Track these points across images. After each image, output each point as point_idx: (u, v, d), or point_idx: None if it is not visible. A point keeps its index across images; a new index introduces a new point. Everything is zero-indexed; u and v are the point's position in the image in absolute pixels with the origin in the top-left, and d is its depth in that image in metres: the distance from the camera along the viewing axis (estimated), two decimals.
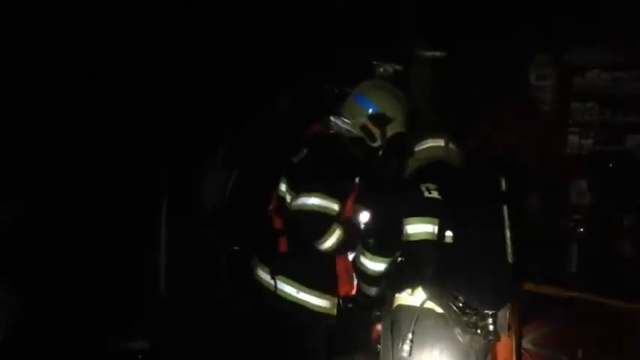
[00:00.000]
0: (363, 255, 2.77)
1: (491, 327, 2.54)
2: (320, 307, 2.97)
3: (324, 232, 2.83)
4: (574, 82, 4.51)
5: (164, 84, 4.33)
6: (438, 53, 4.92)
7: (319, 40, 4.61)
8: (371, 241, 2.77)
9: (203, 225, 4.53)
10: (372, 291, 2.91)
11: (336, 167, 2.89)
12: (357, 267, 2.85)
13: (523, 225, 2.97)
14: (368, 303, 3.00)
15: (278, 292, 2.97)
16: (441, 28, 4.78)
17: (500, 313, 2.65)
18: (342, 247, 2.92)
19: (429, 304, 2.62)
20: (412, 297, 2.67)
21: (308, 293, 2.95)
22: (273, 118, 4.59)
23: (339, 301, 3.03)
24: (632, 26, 4.13)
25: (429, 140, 2.89)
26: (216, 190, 4.47)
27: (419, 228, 2.64)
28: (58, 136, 4.09)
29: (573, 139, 4.49)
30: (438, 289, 2.59)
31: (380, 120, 2.98)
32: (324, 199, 2.80)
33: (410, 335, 2.59)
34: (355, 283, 3.03)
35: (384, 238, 2.74)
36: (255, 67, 4.59)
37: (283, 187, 3.04)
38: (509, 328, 2.94)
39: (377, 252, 2.74)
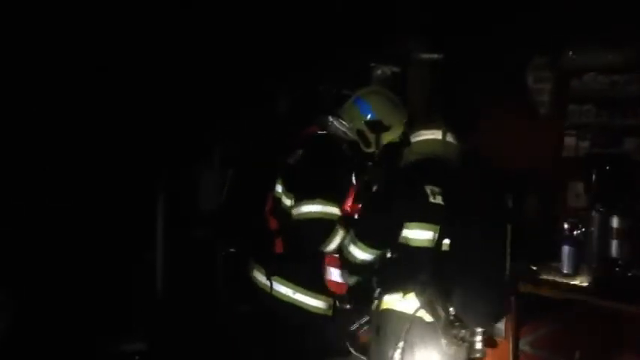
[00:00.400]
0: (354, 243, 2.73)
1: (478, 345, 2.52)
2: (316, 307, 2.98)
3: (327, 237, 2.83)
4: (571, 84, 4.50)
5: (162, 84, 4.33)
6: (435, 55, 4.93)
7: (318, 41, 4.62)
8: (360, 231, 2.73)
9: (200, 226, 4.54)
10: (352, 280, 2.89)
11: (333, 169, 2.90)
12: (343, 255, 2.80)
13: (521, 226, 2.98)
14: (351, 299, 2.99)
15: (274, 293, 2.97)
16: (439, 31, 4.79)
17: None
18: None
19: (420, 312, 2.60)
20: (403, 303, 2.64)
21: (304, 294, 2.95)
22: (271, 119, 4.59)
23: (334, 301, 3.03)
24: (629, 29, 4.13)
25: (426, 131, 2.84)
26: (213, 191, 4.48)
27: (420, 234, 2.64)
28: (58, 136, 4.09)
29: (570, 141, 4.49)
30: (433, 296, 2.56)
31: (376, 127, 2.97)
32: (325, 205, 2.81)
33: (401, 344, 2.57)
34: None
35: (378, 231, 2.71)
36: (253, 68, 4.59)
37: (279, 188, 3.04)
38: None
39: (368, 243, 2.70)
